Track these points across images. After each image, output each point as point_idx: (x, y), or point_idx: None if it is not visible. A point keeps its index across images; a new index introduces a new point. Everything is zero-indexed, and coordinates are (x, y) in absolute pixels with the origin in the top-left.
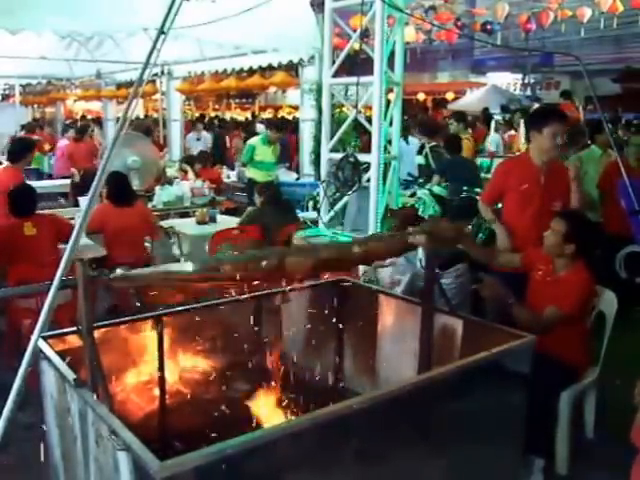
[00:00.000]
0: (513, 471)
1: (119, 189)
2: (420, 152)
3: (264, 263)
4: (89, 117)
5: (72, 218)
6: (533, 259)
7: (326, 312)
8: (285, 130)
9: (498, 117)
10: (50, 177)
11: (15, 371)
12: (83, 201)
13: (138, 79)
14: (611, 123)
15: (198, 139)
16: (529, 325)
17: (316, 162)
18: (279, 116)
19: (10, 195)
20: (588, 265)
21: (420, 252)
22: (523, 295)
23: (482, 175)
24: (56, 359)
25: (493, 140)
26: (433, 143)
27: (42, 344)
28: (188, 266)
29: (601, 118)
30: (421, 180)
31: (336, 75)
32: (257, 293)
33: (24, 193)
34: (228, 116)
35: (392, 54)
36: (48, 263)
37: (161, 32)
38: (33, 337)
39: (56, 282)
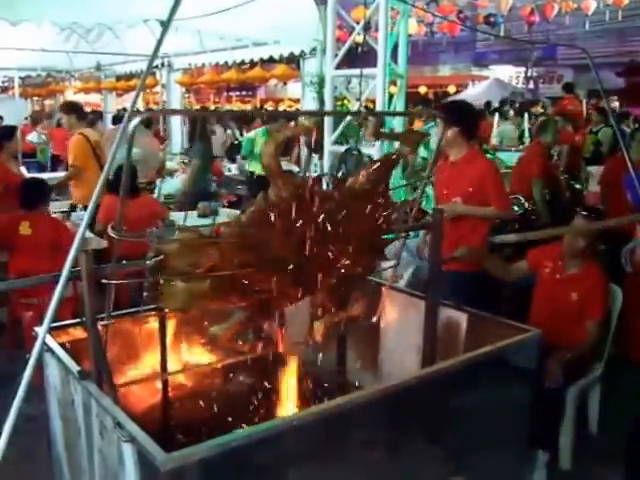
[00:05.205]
0: (517, 465)
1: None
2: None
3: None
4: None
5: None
6: (538, 258)
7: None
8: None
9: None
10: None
11: (16, 362)
12: None
13: (145, 72)
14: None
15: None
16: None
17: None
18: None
19: (21, 187)
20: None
21: None
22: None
23: None
24: (60, 351)
25: (498, 133)
26: None
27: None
28: None
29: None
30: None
31: (338, 67)
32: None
33: (31, 186)
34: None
35: (394, 46)
36: (46, 256)
37: (167, 25)
38: (42, 329)
39: (65, 273)
